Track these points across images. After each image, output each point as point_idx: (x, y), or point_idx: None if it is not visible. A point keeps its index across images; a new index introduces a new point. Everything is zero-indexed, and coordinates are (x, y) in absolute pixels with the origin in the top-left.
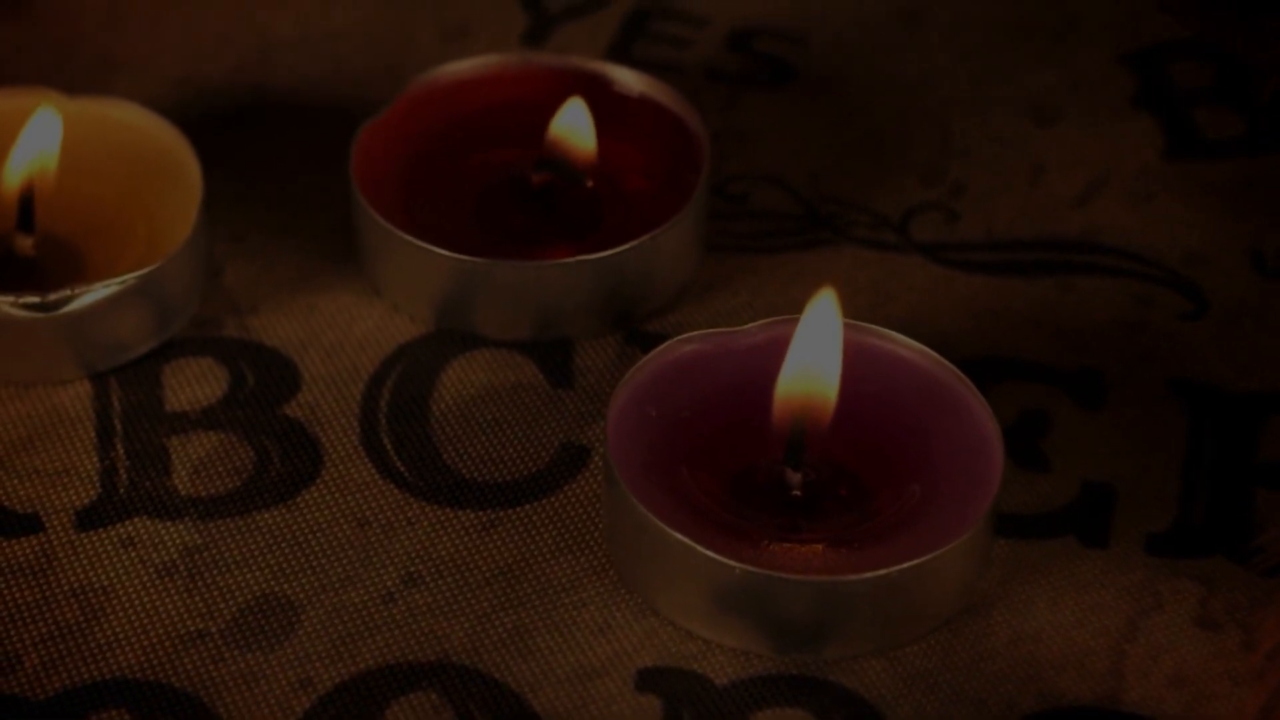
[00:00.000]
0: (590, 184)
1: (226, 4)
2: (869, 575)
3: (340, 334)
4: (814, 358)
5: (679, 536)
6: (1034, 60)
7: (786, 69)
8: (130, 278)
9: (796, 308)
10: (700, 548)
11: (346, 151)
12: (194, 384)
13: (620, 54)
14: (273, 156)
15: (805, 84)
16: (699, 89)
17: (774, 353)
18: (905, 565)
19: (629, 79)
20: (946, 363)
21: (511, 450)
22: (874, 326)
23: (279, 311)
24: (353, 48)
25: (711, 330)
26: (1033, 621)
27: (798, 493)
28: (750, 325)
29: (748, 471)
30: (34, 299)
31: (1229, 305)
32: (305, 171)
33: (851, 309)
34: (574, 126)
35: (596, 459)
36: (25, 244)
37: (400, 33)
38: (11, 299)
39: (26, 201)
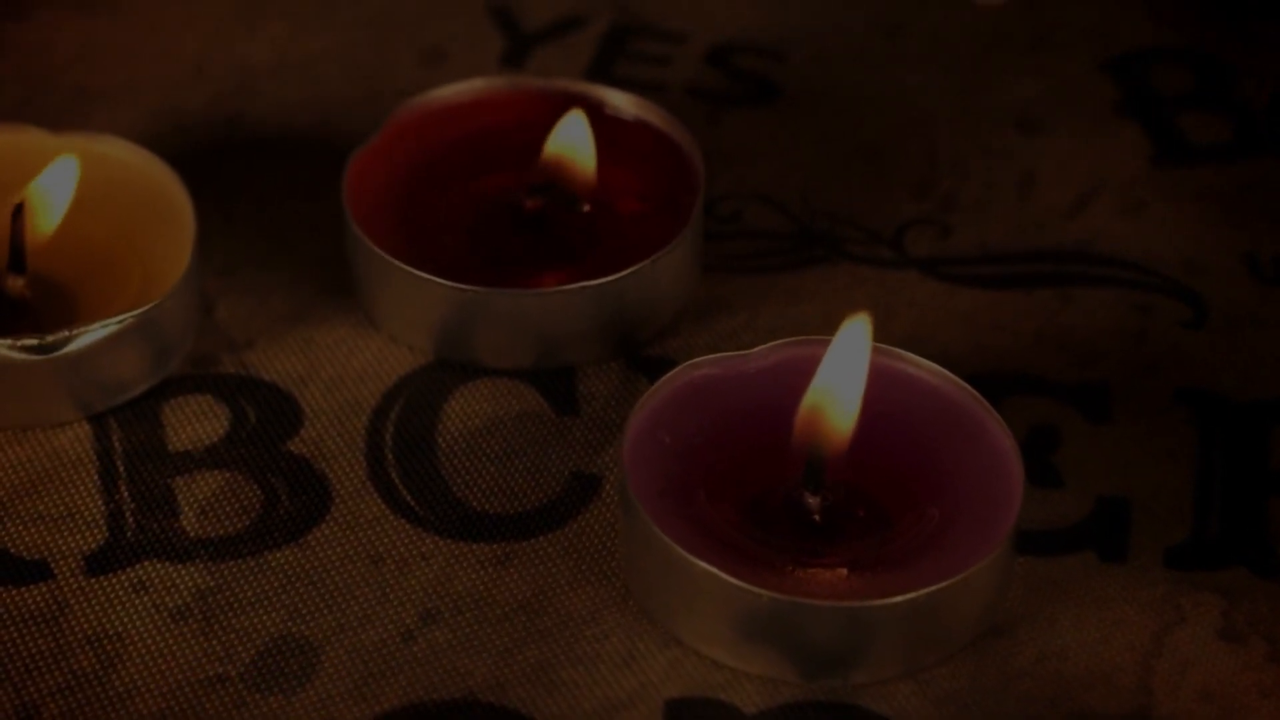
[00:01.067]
0: (587, 208)
1: (201, 33)
2: (898, 599)
3: (339, 367)
4: (837, 382)
5: (704, 565)
6: (1015, 70)
7: (769, 85)
8: (128, 317)
9: (797, 327)
10: (727, 576)
11: (332, 179)
12: (195, 422)
13: (601, 73)
14: (257, 186)
15: (788, 100)
16: (681, 107)
17: (785, 375)
18: (933, 588)
19: (618, 100)
20: (963, 383)
21: (521, 481)
22: (889, 347)
23: (275, 345)
24: (330, 73)
25: (722, 354)
26: (1058, 639)
27: (817, 517)
28: (761, 348)
29: (764, 496)
30: (33, 341)
31: (1228, 312)
32: (292, 201)
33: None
34: (572, 147)
35: (608, 487)
36: (17, 285)
37: (378, 57)
38: (10, 341)
39: (18, 241)
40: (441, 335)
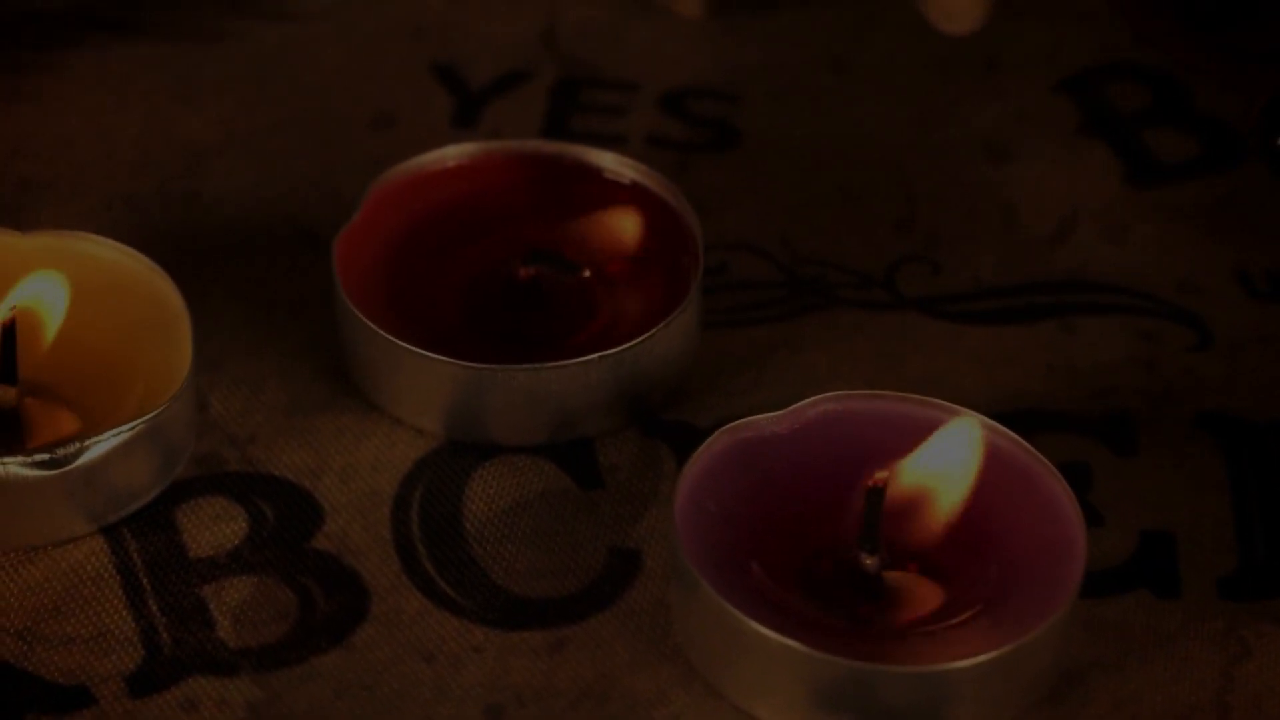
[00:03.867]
0: (587, 274)
1: (138, 116)
2: (977, 660)
3: (349, 456)
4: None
5: (780, 638)
6: (972, 97)
7: (729, 129)
8: (139, 423)
9: (806, 379)
10: (804, 647)
11: (305, 257)
12: (212, 526)
13: (558, 128)
14: (228, 271)
15: (751, 143)
16: (647, 158)
17: (820, 433)
18: (1010, 647)
19: (596, 158)
20: (1014, 435)
21: (559, 561)
22: (937, 401)
23: (279, 438)
24: (281, 147)
25: (755, 417)
26: (1130, 683)
27: (876, 578)
28: (793, 407)
29: (816, 557)
30: (44, 455)
31: (1231, 333)
32: (267, 283)
33: (861, 375)
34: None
35: (649, 561)
36: (8, 396)
37: (326, 126)
38: (21, 458)
39: (7, 352)
40: (453, 415)
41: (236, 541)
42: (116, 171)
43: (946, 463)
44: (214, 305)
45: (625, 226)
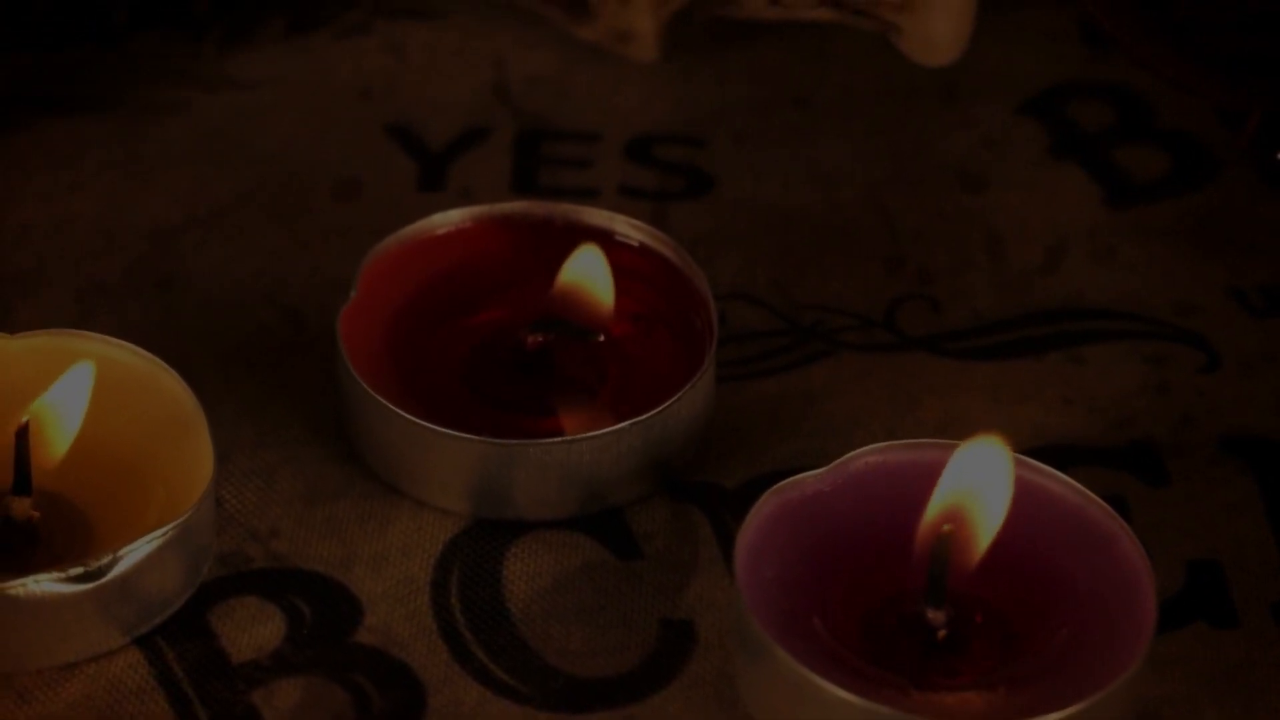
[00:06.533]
0: (602, 338)
1: (93, 196)
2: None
3: (377, 543)
4: (973, 500)
5: (863, 702)
6: (937, 126)
7: (701, 175)
8: (171, 527)
9: (827, 428)
10: (888, 710)
11: (294, 335)
12: (249, 628)
13: (527, 185)
14: (217, 355)
15: (726, 187)
16: (620, 209)
17: (865, 487)
18: (1084, 704)
19: (587, 217)
20: (1079, 486)
21: (613, 638)
22: (979, 445)
23: (301, 530)
24: (247, 221)
25: (798, 476)
26: (1205, 718)
27: (942, 633)
28: (835, 463)
29: (877, 613)
30: (78, 569)
31: (1238, 352)
32: (259, 367)
33: (880, 422)
34: (589, 279)
35: (703, 631)
36: (23, 507)
37: (291, 197)
38: (58, 574)
39: (22, 462)
40: (480, 493)
41: (276, 642)
42: (81, 258)
43: (996, 502)
44: (210, 396)
45: (626, 287)
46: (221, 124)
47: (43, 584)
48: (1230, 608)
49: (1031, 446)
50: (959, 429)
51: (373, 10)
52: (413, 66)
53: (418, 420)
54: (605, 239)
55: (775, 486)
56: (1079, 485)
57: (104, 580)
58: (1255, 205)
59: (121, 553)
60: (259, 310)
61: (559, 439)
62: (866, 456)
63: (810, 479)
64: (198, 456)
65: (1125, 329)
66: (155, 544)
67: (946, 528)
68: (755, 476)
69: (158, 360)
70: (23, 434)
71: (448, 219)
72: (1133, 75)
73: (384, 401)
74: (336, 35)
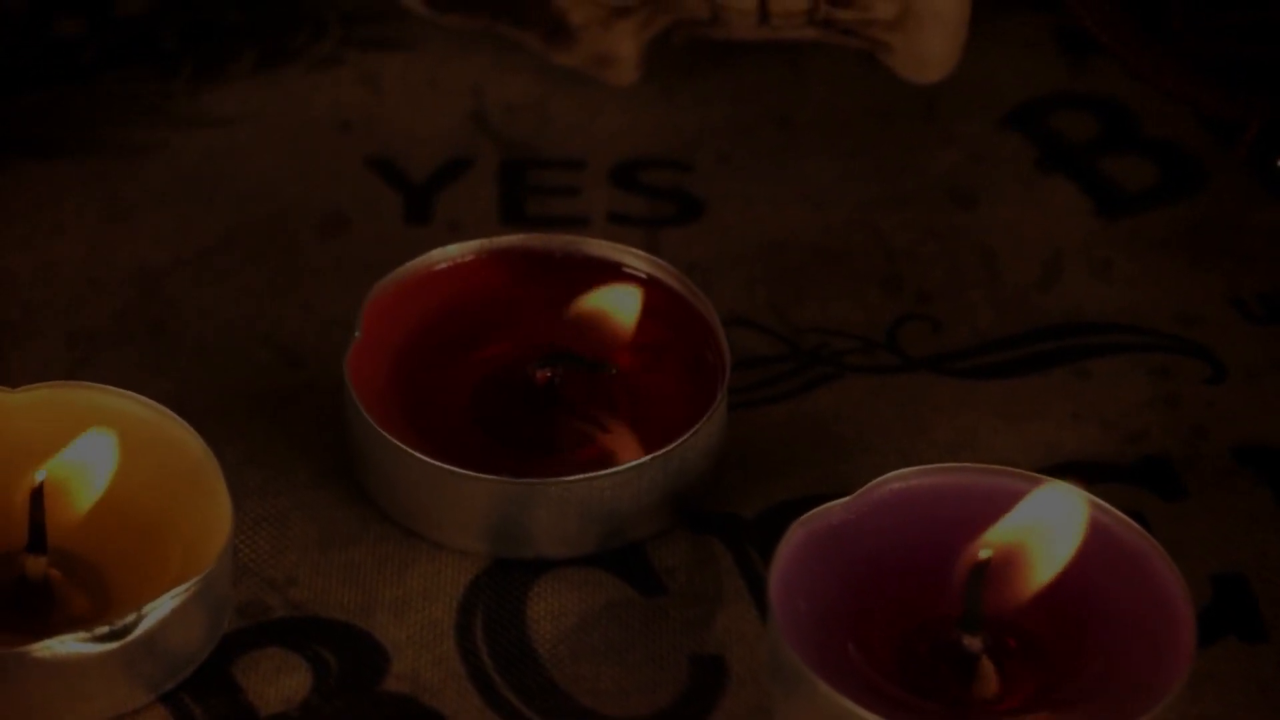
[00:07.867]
0: (615, 370)
1: (74, 242)
2: None
3: (396, 588)
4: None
5: None
6: (922, 142)
7: (691, 199)
8: (194, 582)
9: (838, 454)
10: None
11: (293, 379)
12: (274, 680)
13: (515, 215)
14: (218, 401)
15: (716, 211)
16: (612, 236)
17: (889, 515)
18: None
19: (590, 248)
20: (1108, 505)
21: (644, 676)
22: (1000, 468)
23: (318, 577)
24: (234, 262)
25: (822, 507)
26: None
27: (977, 658)
28: (857, 493)
29: (912, 640)
30: (104, 629)
31: (1242, 361)
32: (261, 412)
33: (893, 445)
34: (609, 307)
35: (735, 665)
36: (38, 566)
37: (277, 234)
38: (83, 634)
39: (37, 520)
40: (499, 533)
41: (304, 694)
42: (69, 305)
43: (1042, 531)
44: (212, 441)
45: (633, 318)
46: (200, 162)
47: (68, 644)
48: (1258, 621)
49: (1043, 465)
50: (972, 450)
51: (342, 41)
52: (389, 97)
53: (435, 462)
54: (611, 270)
55: (802, 518)
56: (1106, 504)
57: (129, 639)
58: (1248, 213)
59: (146, 610)
60: (255, 351)
61: (579, 476)
62: (891, 483)
63: (836, 508)
64: (213, 506)
65: (1128, 342)
66: (179, 599)
67: (985, 553)
68: (773, 505)
69: (166, 410)
70: (38, 493)
71: (446, 254)
72: (1115, 85)
73: (400, 444)
74: (309, 68)
